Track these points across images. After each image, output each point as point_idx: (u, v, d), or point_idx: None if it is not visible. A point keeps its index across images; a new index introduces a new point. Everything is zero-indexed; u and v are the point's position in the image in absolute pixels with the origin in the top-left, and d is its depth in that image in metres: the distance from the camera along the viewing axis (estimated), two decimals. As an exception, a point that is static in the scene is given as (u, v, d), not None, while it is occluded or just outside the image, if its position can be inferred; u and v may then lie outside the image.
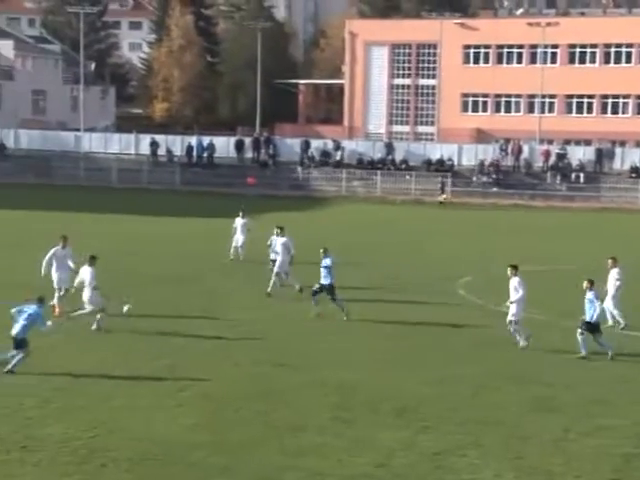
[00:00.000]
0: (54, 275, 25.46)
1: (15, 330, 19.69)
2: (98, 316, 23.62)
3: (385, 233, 47.30)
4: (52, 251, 25.67)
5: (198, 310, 26.09)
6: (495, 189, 66.20)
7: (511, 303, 22.76)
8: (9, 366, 19.59)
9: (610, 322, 25.32)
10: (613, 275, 25.57)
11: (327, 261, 25.99)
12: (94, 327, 23.55)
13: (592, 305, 22.23)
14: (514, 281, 22.96)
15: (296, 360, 21.36)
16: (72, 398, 18.15)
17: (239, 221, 35.55)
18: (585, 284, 22.58)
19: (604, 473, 14.90)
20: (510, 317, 22.89)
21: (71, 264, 25.47)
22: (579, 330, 22.31)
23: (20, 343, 19.64)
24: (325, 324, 25.27)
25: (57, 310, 24.86)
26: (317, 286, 25.97)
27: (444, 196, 63.31)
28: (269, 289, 28.62)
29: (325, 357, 21.81)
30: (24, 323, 19.65)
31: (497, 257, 38.59)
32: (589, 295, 22.35)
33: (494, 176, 66.63)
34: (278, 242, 29.50)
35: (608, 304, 25.18)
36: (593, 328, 22.30)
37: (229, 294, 29.07)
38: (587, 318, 22.27)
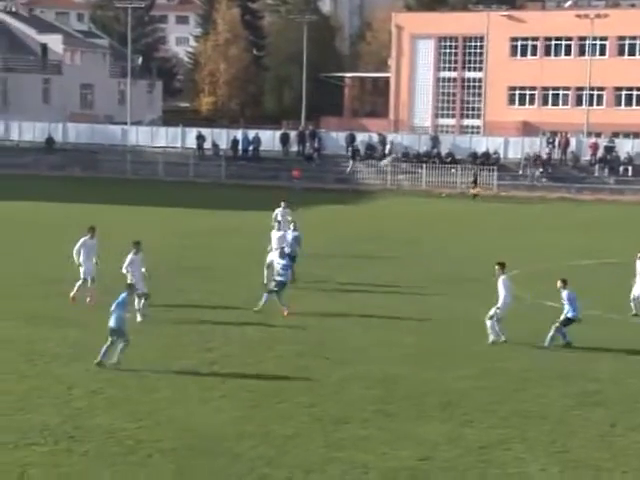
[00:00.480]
0: (83, 265, 25.79)
1: (109, 322, 19.83)
2: (142, 301, 23.89)
3: (430, 227, 47.16)
4: (81, 241, 26.01)
5: (242, 302, 26.20)
6: (543, 182, 65.73)
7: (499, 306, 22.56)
8: (114, 359, 19.66)
9: (634, 311, 26.05)
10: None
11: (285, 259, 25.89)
12: (138, 319, 23.76)
13: (570, 303, 22.46)
14: (500, 280, 22.74)
15: (338, 353, 21.41)
16: (118, 390, 18.35)
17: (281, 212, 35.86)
18: (559, 284, 22.86)
19: (649, 468, 14.79)
20: (492, 312, 22.59)
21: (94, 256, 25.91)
22: (557, 325, 22.46)
23: (114, 333, 19.74)
24: (366, 318, 25.26)
25: (73, 299, 25.58)
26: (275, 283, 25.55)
27: (477, 189, 62.85)
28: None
29: (367, 351, 21.82)
30: (115, 314, 19.82)
31: (544, 251, 38.35)
32: (563, 294, 22.62)
33: (541, 169, 66.16)
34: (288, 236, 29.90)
35: (636, 292, 26.03)
36: (570, 323, 22.51)
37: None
38: (568, 314, 22.41)
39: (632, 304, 26.38)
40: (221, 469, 14.60)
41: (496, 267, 23.11)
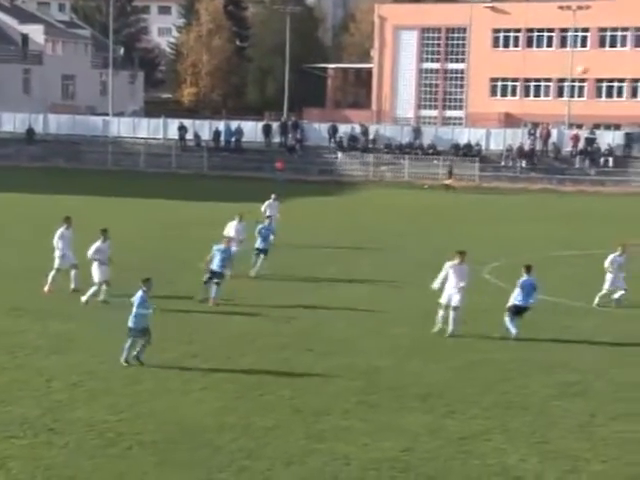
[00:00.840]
0: (61, 255, 25.85)
1: (128, 322, 19.53)
2: (103, 287, 24.34)
3: (413, 218, 47.20)
4: (59, 232, 26.03)
5: (225, 295, 26.14)
6: (525, 174, 65.88)
7: (460, 288, 22.40)
8: (135, 354, 19.42)
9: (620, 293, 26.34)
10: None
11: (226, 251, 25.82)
12: (101, 298, 24.30)
13: (522, 289, 22.29)
14: (462, 268, 22.59)
15: (321, 345, 21.40)
16: (99, 382, 18.28)
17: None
18: (522, 270, 22.71)
19: (630, 458, 14.83)
20: (456, 303, 22.35)
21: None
22: (507, 314, 22.41)
23: (133, 332, 19.45)
24: (350, 310, 25.27)
25: (47, 289, 25.66)
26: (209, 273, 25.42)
27: (450, 181, 62.87)
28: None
29: (351, 342, 21.83)
30: (135, 312, 19.47)
31: (526, 242, 38.44)
32: (520, 280, 22.44)
33: (523, 161, 66.31)
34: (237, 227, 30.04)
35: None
36: (520, 311, 22.37)
37: (255, 280, 29.10)
38: (516, 302, 22.32)
39: (603, 294, 26.38)
40: (202, 461, 14.58)
41: (457, 256, 22.74)
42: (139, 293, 19.64)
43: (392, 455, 14.90)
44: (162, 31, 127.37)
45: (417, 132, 69.72)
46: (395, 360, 20.34)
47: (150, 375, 18.77)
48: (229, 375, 18.90)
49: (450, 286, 22.51)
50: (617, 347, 22.03)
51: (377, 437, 15.61)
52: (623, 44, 79.96)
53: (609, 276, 26.31)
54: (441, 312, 22.62)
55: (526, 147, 66.85)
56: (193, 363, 19.66)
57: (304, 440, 15.45)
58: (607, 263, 26.41)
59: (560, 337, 22.51)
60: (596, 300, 26.25)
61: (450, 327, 22.42)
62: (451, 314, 22.44)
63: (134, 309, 19.51)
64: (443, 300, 22.56)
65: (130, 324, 19.50)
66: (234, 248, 27.92)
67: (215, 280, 25.22)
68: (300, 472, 14.26)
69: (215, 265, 25.41)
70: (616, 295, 26.32)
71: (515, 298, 22.56)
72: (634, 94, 79.61)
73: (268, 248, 29.97)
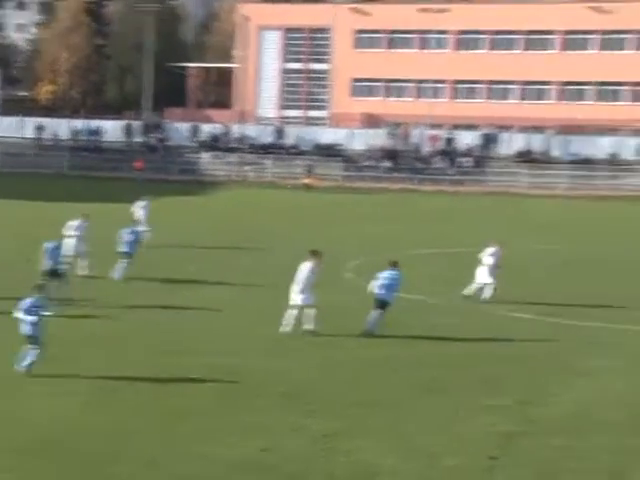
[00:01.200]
0: None
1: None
2: None
3: (275, 217, 47.20)
4: None
5: (92, 294, 25.57)
6: (386, 173, 66.72)
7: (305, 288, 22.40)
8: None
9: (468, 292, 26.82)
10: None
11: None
12: None
13: (384, 281, 22.40)
14: (314, 268, 22.43)
15: (182, 346, 21.12)
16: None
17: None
18: (388, 264, 22.87)
19: (486, 452, 15.06)
20: (308, 302, 22.26)
21: None
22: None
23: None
24: (210, 312, 25.06)
25: None
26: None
27: (309, 180, 63.28)
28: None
29: (215, 342, 21.63)
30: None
31: (387, 241, 38.88)
32: (384, 274, 22.54)
33: (386, 161, 67.16)
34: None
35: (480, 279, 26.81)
36: (382, 305, 22.51)
37: (117, 282, 28.59)
38: (378, 295, 22.43)
39: (473, 288, 26.89)
40: (62, 468, 14.14)
41: (309, 254, 22.73)
42: (28, 299, 18.83)
43: (255, 455, 14.77)
44: (19, 28, 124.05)
45: (280, 132, 69.85)
46: (257, 360, 20.21)
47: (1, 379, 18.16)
48: (90, 379, 18.43)
49: (300, 286, 22.43)
50: (479, 342, 22.40)
51: (239, 437, 15.46)
52: (481, 47, 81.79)
53: (483, 269, 26.66)
54: (294, 312, 22.51)
55: (387, 147, 67.75)
56: (49, 366, 19.08)
57: (167, 441, 15.18)
58: (485, 257, 26.76)
59: (423, 334, 22.74)
60: (465, 292, 26.66)
61: (307, 326, 22.38)
62: (307, 313, 22.39)
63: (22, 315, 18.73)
64: (296, 300, 22.45)
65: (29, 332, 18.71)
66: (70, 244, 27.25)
67: (52, 280, 24.42)
68: (163, 475, 14.00)
69: (48, 264, 24.75)
70: (487, 290, 26.74)
71: (377, 289, 22.53)
72: (491, 96, 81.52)
73: (133, 252, 29.27)
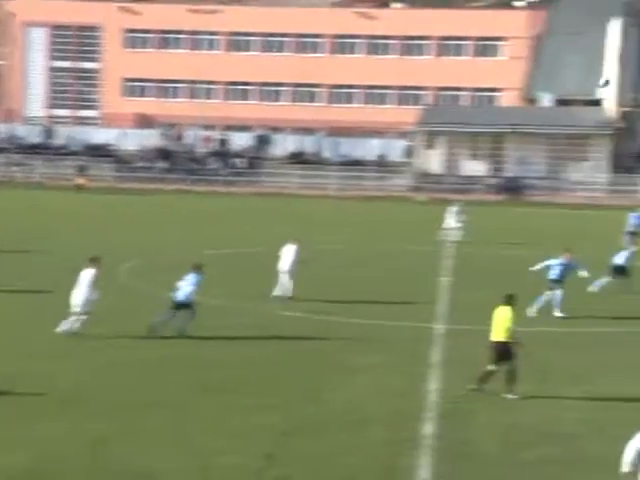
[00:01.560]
0: None
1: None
2: None
3: (45, 219, 45.93)
4: None
5: None
6: (160, 174, 66.20)
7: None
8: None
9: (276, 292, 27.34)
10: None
11: None
12: None
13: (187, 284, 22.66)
14: (89, 273, 22.25)
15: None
16: None
17: None
18: (192, 267, 23.03)
19: (262, 450, 15.17)
20: (82, 307, 22.06)
21: None
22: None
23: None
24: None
25: None
26: None
27: (82, 180, 62.20)
28: None
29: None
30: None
31: (161, 243, 38.58)
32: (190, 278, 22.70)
33: (160, 162, 66.64)
34: None
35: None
36: (177, 308, 22.70)
37: None
38: (178, 298, 22.56)
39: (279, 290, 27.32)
40: None
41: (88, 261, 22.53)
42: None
43: (26, 466, 14.25)
44: None
45: (49, 132, 68.04)
46: (33, 365, 19.57)
47: None
48: None
49: (82, 293, 22.01)
50: (263, 340, 22.56)
51: (8, 447, 14.88)
52: (253, 48, 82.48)
53: (284, 275, 26.99)
54: (73, 318, 22.07)
55: (161, 148, 67.26)
56: None
57: None
58: (287, 262, 27.05)
59: (205, 335, 22.64)
60: (275, 293, 27.07)
61: (72, 325, 21.97)
62: (80, 317, 22.02)
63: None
64: (76, 307, 22.01)
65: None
66: None
67: None
68: None
69: None
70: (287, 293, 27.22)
71: (177, 293, 22.52)
72: (263, 97, 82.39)
73: None
